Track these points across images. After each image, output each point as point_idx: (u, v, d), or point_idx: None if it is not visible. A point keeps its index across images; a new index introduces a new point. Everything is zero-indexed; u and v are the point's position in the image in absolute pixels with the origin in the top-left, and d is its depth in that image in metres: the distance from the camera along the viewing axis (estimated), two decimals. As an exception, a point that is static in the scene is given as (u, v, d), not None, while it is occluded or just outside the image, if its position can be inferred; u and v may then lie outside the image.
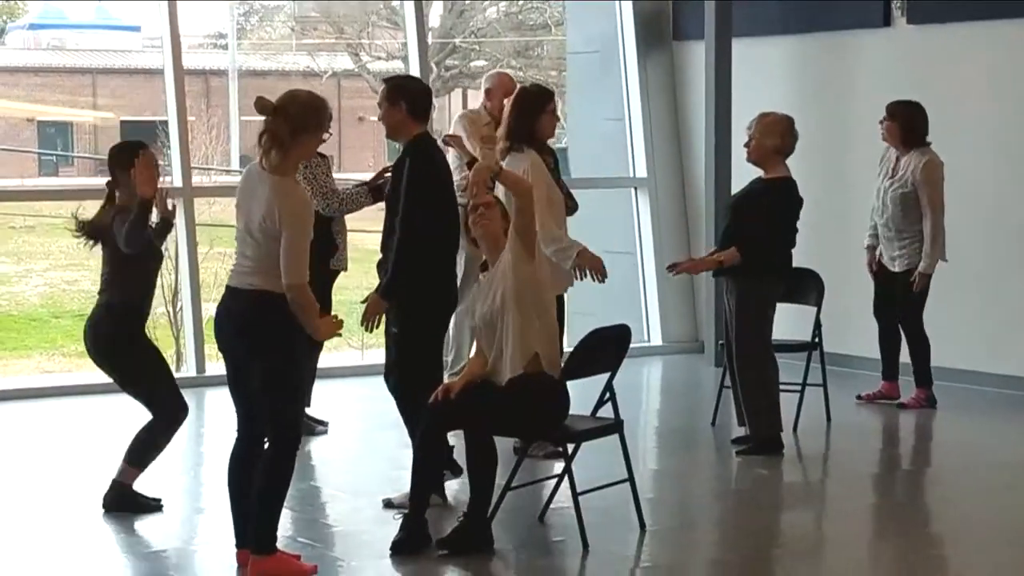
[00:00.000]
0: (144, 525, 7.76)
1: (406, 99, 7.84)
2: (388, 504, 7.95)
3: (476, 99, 29.80)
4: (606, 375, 7.55)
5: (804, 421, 9.79)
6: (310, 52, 32.23)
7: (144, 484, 8.00)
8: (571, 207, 8.97)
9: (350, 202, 9.38)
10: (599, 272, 8.61)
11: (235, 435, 6.82)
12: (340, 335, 6.66)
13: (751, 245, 9.00)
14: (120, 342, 7.82)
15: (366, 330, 7.92)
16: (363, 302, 7.87)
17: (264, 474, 6.65)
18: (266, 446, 6.70)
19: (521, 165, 8.44)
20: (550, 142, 9.00)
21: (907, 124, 10.31)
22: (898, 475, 9.26)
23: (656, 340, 13.02)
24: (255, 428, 6.72)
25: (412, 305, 7.79)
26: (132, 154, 7.71)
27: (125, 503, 7.90)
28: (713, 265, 9.20)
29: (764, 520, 8.11)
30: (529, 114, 8.58)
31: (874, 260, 10.50)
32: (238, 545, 6.86)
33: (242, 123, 30.49)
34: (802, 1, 12.16)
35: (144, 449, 7.91)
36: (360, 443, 9.79)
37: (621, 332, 7.69)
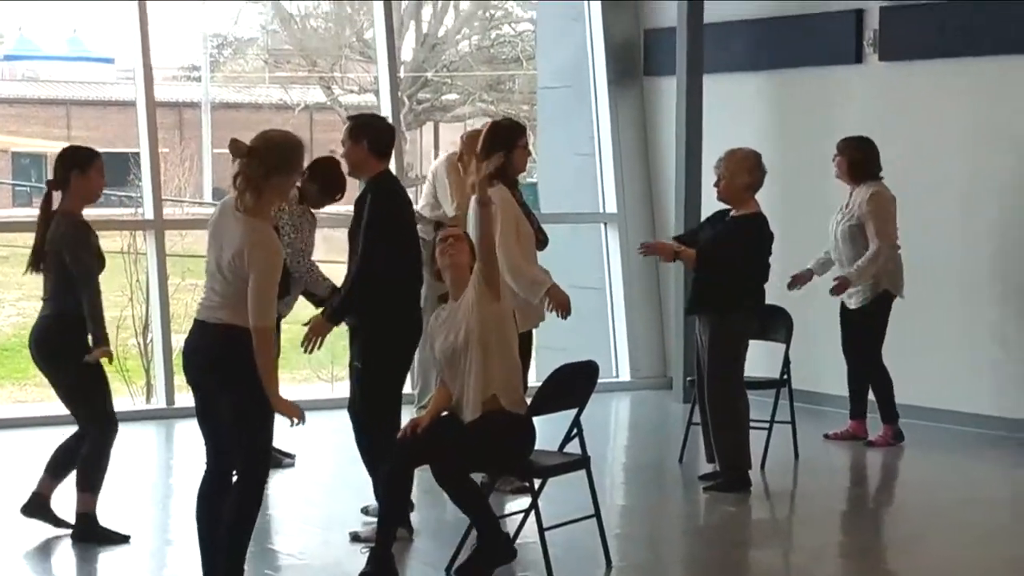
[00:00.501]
0: (112, 557, 7.71)
1: (368, 137, 7.90)
2: (355, 538, 7.93)
3: (448, 132, 29.76)
4: (573, 410, 7.53)
5: (772, 458, 9.78)
6: (283, 85, 32.26)
7: (113, 514, 7.95)
8: (541, 241, 8.95)
9: (312, 277, 9.31)
10: (564, 309, 8.62)
11: (203, 468, 6.79)
12: (293, 422, 6.60)
13: (712, 267, 9.02)
14: (68, 350, 7.76)
15: (305, 351, 7.98)
16: (306, 324, 7.90)
17: (233, 507, 6.60)
18: (234, 479, 6.67)
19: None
20: (520, 176, 9.00)
21: (854, 159, 10.38)
22: (865, 513, 9.26)
23: (624, 375, 13.01)
24: (224, 462, 6.67)
25: (374, 341, 7.83)
26: (90, 156, 7.78)
27: (92, 534, 7.84)
28: (670, 253, 9.26)
29: (732, 557, 8.08)
30: (502, 148, 8.56)
31: (801, 280, 10.46)
32: None
33: (215, 156, 30.47)
34: (774, 37, 12.20)
35: (91, 471, 7.83)
36: (328, 476, 9.76)
37: (589, 368, 7.69)
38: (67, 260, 7.72)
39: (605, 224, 13.10)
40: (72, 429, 8.02)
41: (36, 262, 7.86)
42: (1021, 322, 10.92)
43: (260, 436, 6.63)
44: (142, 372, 14.22)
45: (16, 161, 32.27)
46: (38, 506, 7.99)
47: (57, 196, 7.86)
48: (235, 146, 6.48)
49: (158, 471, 10.16)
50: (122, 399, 13.96)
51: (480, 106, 28.95)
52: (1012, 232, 10.93)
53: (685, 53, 12.10)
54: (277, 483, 9.19)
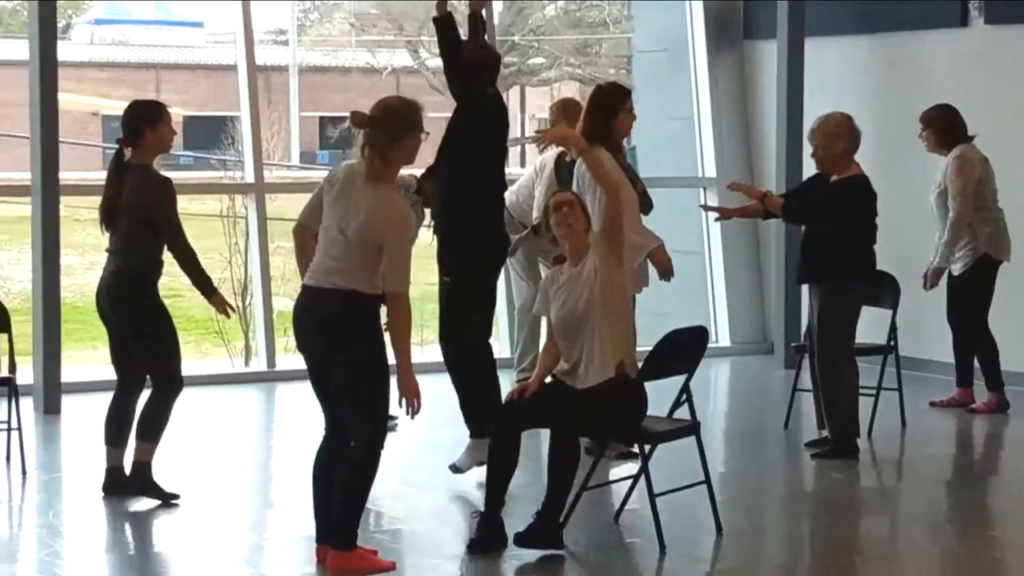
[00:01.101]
0: (208, 519, 7.78)
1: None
2: (455, 469, 8.26)
3: (534, 96, 29.69)
4: (679, 376, 7.49)
5: (879, 425, 9.70)
6: (370, 48, 32.28)
7: (212, 477, 7.98)
8: (646, 204, 8.90)
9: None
10: (667, 272, 8.62)
11: (322, 432, 6.82)
12: (408, 410, 6.60)
13: (798, 211, 9.05)
14: (135, 298, 7.83)
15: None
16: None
17: (351, 471, 6.65)
18: (352, 444, 6.70)
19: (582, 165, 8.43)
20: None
21: (939, 128, 10.28)
22: (970, 482, 9.15)
23: (724, 341, 12.95)
24: (340, 425, 6.71)
25: (463, 253, 8.23)
26: (159, 109, 7.88)
27: (146, 486, 7.89)
28: (759, 194, 9.21)
29: (840, 525, 8.03)
30: (607, 112, 8.54)
31: (936, 278, 10.37)
32: (318, 540, 6.85)
33: (302, 119, 30.61)
34: (876, 1, 12.07)
35: (154, 421, 7.90)
36: (425, 439, 9.64)
37: (699, 333, 7.65)
38: (158, 220, 7.79)
39: (704, 188, 13.02)
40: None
41: (110, 218, 7.91)
42: None
43: (375, 401, 6.64)
44: (241, 335, 14.28)
45: (106, 124, 32.50)
46: (114, 481, 8.02)
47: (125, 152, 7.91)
48: (356, 117, 6.60)
49: (258, 434, 10.21)
50: (221, 361, 14.05)
51: (567, 70, 28.85)
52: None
53: (787, 16, 12.02)
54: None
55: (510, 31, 28.65)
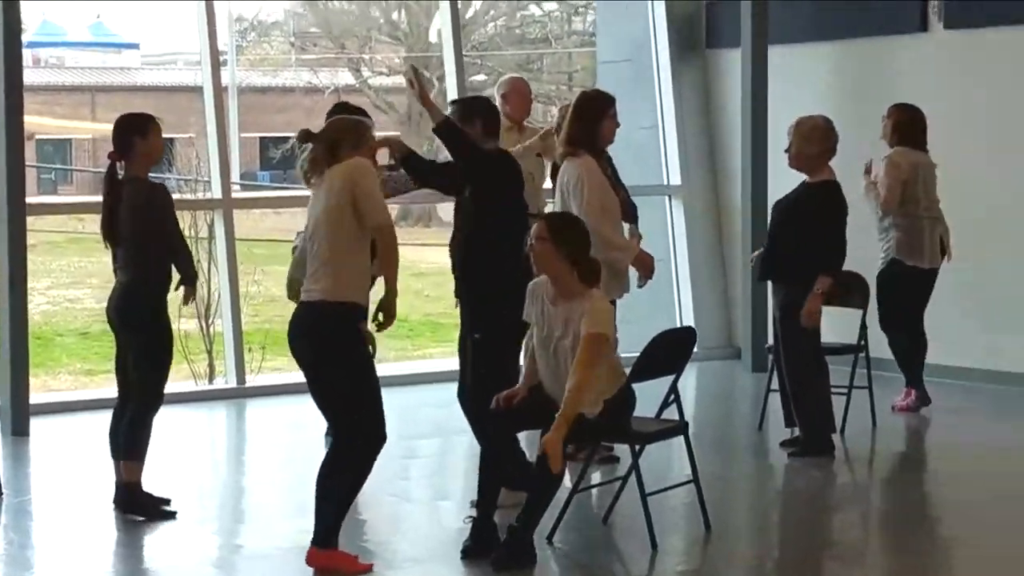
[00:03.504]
0: (187, 533, 7.79)
1: (482, 118, 8.08)
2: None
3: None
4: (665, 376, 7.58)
5: (851, 424, 9.81)
6: (311, 68, 32.24)
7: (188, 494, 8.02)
8: (628, 212, 8.98)
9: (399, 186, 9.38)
10: (648, 271, 8.68)
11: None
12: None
13: (818, 253, 9.05)
14: (147, 315, 7.84)
15: None
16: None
17: (330, 468, 6.82)
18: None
19: (576, 171, 8.48)
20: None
21: (894, 123, 10.40)
22: (939, 478, 9.23)
23: (691, 347, 13.03)
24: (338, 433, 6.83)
25: (487, 309, 7.95)
26: (148, 119, 7.91)
27: (136, 505, 7.88)
28: (819, 301, 9.08)
29: (825, 521, 8.19)
30: (591, 119, 8.58)
31: None
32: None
33: (242, 140, 30.49)
34: (838, 6, 12.20)
35: (135, 439, 7.88)
36: (404, 450, 9.66)
37: (686, 335, 7.75)
38: (157, 225, 7.82)
39: (669, 196, 13.14)
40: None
41: (111, 234, 7.92)
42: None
43: (362, 410, 6.77)
44: (204, 355, 14.24)
45: (40, 148, 32.30)
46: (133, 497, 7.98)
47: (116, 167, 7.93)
48: (302, 134, 6.94)
49: (228, 450, 10.31)
50: (184, 382, 13.99)
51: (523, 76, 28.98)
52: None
53: (750, 23, 12.14)
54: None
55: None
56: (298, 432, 10.06)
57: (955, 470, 9.22)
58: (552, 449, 6.84)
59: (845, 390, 9.75)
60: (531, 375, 7.39)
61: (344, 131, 6.91)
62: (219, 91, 11.74)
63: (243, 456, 10.10)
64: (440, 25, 28.41)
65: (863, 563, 7.43)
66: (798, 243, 9.09)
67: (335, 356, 6.72)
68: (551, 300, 7.20)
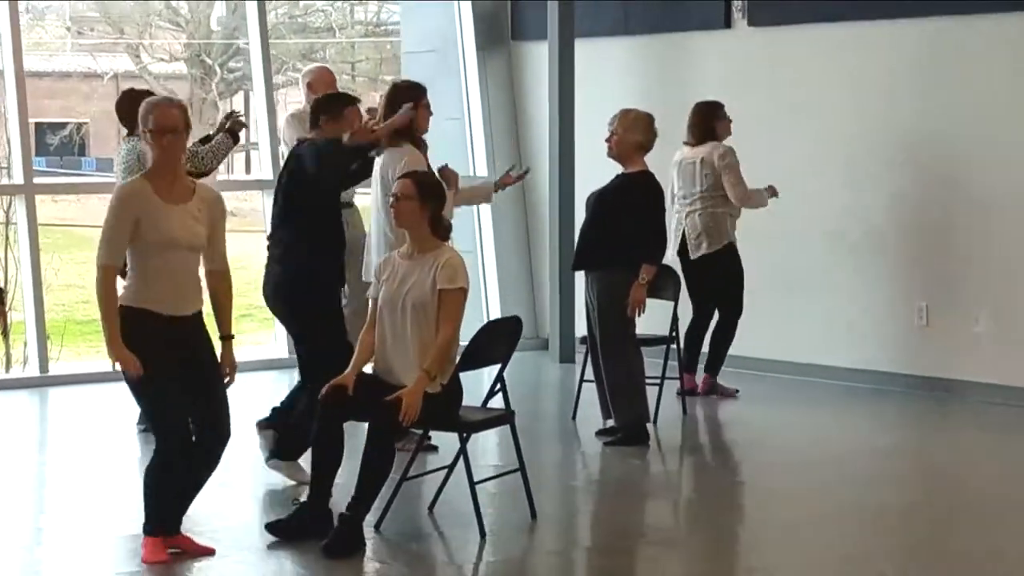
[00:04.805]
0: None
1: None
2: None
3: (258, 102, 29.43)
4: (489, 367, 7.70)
5: (663, 414, 9.97)
6: (91, 52, 31.58)
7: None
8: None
9: (217, 152, 9.35)
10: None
11: None
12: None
13: (638, 243, 9.18)
14: None
15: None
16: None
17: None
18: None
19: (399, 162, 8.53)
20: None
21: (694, 121, 10.76)
22: (752, 464, 9.42)
23: (496, 337, 13.10)
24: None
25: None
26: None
27: None
28: (643, 290, 9.28)
29: (648, 507, 8.36)
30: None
31: None
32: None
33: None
34: (645, 2, 12.38)
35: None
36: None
37: (513, 324, 7.81)
38: None
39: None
40: None
41: None
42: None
43: (151, 407, 6.91)
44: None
45: None
46: None
47: None
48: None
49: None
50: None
51: (292, 75, 28.78)
52: (860, 187, 11.26)
53: (556, 17, 12.25)
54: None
55: (235, 35, 28.45)
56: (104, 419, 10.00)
57: (762, 458, 9.42)
58: (411, 399, 6.97)
59: (658, 381, 9.92)
60: (361, 361, 7.38)
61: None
62: (21, 72, 11.56)
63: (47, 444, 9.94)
64: (221, 13, 28.23)
65: (675, 546, 7.58)
66: (619, 232, 9.22)
67: None
68: (405, 257, 7.34)
